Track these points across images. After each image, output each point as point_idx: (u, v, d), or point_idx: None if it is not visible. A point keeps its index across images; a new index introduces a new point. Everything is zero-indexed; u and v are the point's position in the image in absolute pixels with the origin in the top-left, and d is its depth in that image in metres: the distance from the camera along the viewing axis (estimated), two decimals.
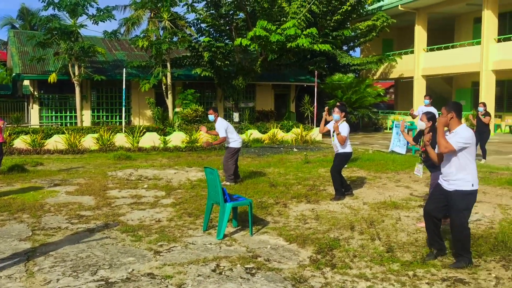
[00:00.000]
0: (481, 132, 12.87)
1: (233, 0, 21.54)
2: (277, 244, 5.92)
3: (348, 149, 8.50)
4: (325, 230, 6.49)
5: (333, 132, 8.46)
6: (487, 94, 22.10)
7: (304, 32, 19.45)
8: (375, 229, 6.47)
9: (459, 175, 4.97)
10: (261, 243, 5.97)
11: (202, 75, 21.32)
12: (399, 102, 31.44)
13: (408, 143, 14.99)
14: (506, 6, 23.07)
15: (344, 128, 8.30)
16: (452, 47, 24.89)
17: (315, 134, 19.92)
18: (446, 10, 25.57)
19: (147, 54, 22.78)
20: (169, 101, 21.12)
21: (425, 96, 13.18)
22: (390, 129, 25.64)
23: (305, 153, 14.40)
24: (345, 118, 8.42)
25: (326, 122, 8.93)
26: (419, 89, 26.12)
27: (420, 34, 25.99)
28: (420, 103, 26.08)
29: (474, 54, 22.76)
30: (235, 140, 9.89)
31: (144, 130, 17.90)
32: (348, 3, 23.85)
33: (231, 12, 22.22)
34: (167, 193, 9.18)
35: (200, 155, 15.51)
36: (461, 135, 4.90)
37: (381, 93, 25.59)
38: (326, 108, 12.91)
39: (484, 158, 13.16)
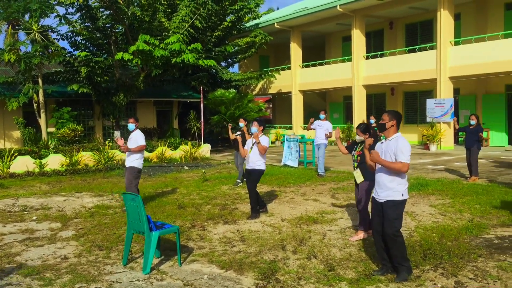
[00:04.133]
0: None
1: (110, 13, 20.40)
2: (213, 273, 5.44)
3: (263, 166, 8.33)
4: (256, 252, 6.15)
5: (252, 145, 8.26)
6: (359, 107, 23.72)
7: (188, 47, 19.06)
8: (307, 247, 6.30)
9: (392, 184, 5.00)
10: (195, 274, 5.44)
11: (79, 91, 19.77)
12: (277, 116, 32.45)
13: (299, 156, 15.39)
14: (371, 26, 25.11)
15: (264, 138, 8.19)
16: (326, 63, 26.38)
17: (205, 150, 19.56)
18: (318, 29, 27.07)
19: (13, 69, 20.53)
20: (42, 121, 19.19)
21: (321, 111, 13.51)
22: (273, 143, 26.29)
23: (203, 170, 13.94)
24: (262, 132, 8.35)
25: (243, 142, 8.71)
26: (297, 104, 27.21)
27: (296, 51, 27.13)
28: (299, 117, 27.27)
29: (346, 70, 24.31)
30: (140, 159, 9.12)
31: (16, 153, 15.98)
32: (228, 20, 24.05)
33: (108, 25, 21.01)
34: (63, 224, 8.12)
35: (85, 178, 14.22)
36: (404, 147, 4.95)
37: (262, 108, 26.10)
38: (229, 125, 12.75)
39: None
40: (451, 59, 19.83)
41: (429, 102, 20.43)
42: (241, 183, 11.90)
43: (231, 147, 25.39)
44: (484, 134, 15.19)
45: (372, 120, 13.76)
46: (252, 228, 7.45)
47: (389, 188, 5.00)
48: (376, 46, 25.83)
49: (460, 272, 5.17)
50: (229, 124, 13.23)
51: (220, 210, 8.83)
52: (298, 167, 14.91)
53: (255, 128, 8.31)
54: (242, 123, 12.10)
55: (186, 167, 16.45)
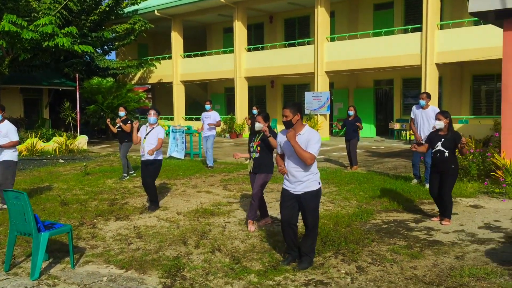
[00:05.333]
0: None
1: None
2: (112, 274, 5.05)
3: (161, 155, 8.01)
4: (156, 249, 5.85)
5: (146, 134, 7.85)
6: (241, 99, 24.04)
7: (62, 31, 17.67)
8: (209, 241, 6.15)
9: (308, 176, 5.05)
10: (92, 276, 5.01)
11: None
12: (158, 107, 31.49)
13: (185, 147, 15.12)
14: (252, 19, 25.53)
15: (161, 130, 7.93)
16: (208, 54, 26.27)
17: (82, 142, 18.33)
18: (199, 19, 26.85)
19: None
20: None
21: (205, 102, 13.30)
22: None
23: (84, 164, 13.02)
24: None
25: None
26: (179, 94, 26.77)
27: (177, 40, 26.62)
28: (181, 108, 26.88)
29: (228, 62, 24.44)
30: (14, 151, 8.15)
31: None
32: (105, 4, 22.77)
33: None
34: None
35: None
36: (315, 138, 4.98)
37: (143, 98, 25.23)
38: (108, 120, 12.07)
39: None
40: (327, 55, 20.94)
41: (308, 95, 21.39)
42: (128, 177, 11.36)
43: (109, 138, 24.22)
44: None
45: (255, 111, 13.83)
46: (148, 223, 7.10)
47: (305, 180, 5.02)
48: (256, 39, 26.34)
49: (359, 257, 5.42)
50: (108, 119, 12.49)
51: (110, 206, 8.30)
52: (185, 159, 14.66)
53: (154, 118, 7.96)
54: (122, 112, 11.55)
55: (61, 160, 15.29)
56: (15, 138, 8.03)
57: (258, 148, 6.65)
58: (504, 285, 4.48)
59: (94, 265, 5.36)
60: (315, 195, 5.07)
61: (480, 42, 16.66)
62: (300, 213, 5.18)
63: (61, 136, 17.89)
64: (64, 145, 17.45)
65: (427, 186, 9.51)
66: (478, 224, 6.82)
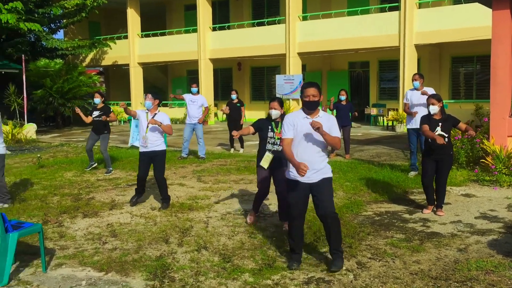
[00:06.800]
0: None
1: None
2: (91, 278, 4.91)
3: (164, 145, 7.67)
4: (136, 248, 5.73)
5: (148, 122, 7.41)
6: (207, 83, 23.81)
7: (6, 7, 17.00)
8: (192, 238, 6.07)
9: (324, 163, 5.05)
10: (69, 280, 4.85)
11: None
12: (111, 91, 30.96)
13: None
14: None
15: (163, 116, 7.51)
16: (169, 33, 25.82)
17: (30, 131, 17.76)
18: None
19: None
20: None
21: (192, 84, 12.81)
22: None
23: (38, 155, 12.60)
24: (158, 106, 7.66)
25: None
26: (136, 78, 26.25)
27: (133, 18, 26.04)
28: (139, 93, 26.39)
29: (191, 42, 24.10)
30: (2, 142, 7.73)
31: None
32: None
33: None
34: None
35: None
36: (335, 122, 5.05)
37: (97, 81, 24.62)
38: (77, 108, 11.40)
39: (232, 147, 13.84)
40: (299, 35, 20.96)
41: (279, 78, 21.40)
42: (112, 170, 10.94)
43: (59, 126, 23.57)
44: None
45: (234, 96, 13.65)
46: (120, 220, 6.94)
47: (322, 167, 5.01)
48: (222, 17, 26.09)
49: (358, 253, 5.46)
50: (76, 108, 11.76)
51: (74, 201, 8.08)
52: None
53: (149, 102, 7.49)
54: (98, 99, 11.01)
55: (8, 152, 14.74)
56: None
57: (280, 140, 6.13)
58: None
59: (68, 267, 5.20)
60: (331, 182, 5.13)
61: (461, 22, 17.05)
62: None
63: (7, 125, 17.26)
64: (10, 134, 16.86)
65: (412, 174, 9.70)
66: (474, 214, 7.00)
